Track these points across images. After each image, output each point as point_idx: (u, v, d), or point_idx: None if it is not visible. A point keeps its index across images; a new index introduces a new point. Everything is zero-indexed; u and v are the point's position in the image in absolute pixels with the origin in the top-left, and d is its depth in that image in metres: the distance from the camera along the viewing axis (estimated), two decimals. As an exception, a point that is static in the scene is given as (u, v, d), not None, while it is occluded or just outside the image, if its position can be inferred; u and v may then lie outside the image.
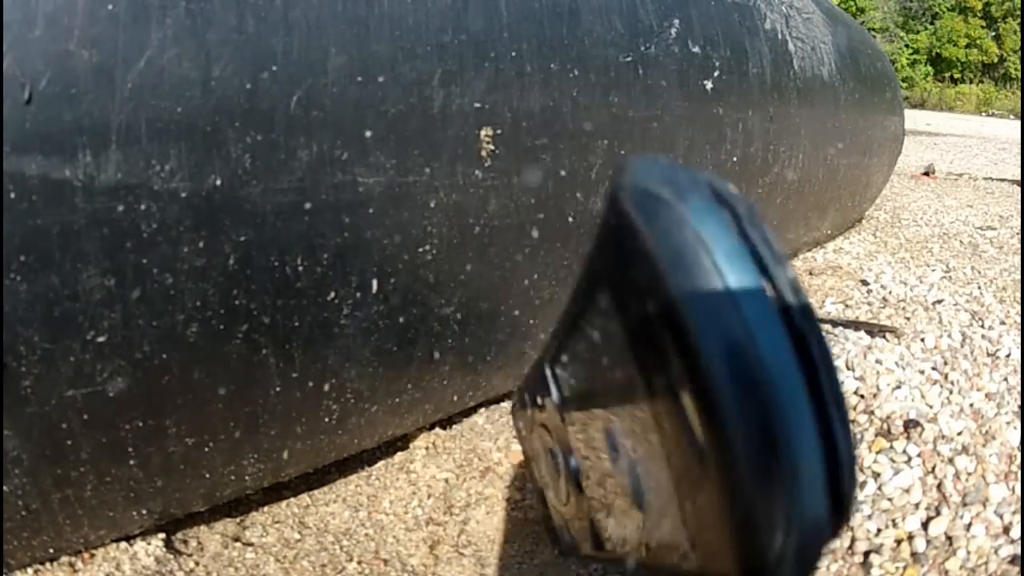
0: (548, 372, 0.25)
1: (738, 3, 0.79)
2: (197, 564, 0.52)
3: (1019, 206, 2.14)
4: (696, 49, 0.69)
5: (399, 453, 0.66)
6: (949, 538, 0.56)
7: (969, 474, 0.64)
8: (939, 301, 1.13)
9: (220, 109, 0.36)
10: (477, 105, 0.47)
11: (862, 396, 0.77)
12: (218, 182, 0.37)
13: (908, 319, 1.03)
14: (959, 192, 2.43)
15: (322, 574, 0.52)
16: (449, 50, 0.46)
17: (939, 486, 0.62)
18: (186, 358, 0.39)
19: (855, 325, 0.99)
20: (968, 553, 0.55)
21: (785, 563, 0.14)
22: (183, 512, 0.50)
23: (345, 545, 0.55)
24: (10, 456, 0.36)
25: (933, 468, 0.65)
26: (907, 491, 0.62)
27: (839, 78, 1.09)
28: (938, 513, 0.59)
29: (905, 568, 0.53)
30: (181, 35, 0.35)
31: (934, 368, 0.86)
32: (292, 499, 0.60)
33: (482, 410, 0.74)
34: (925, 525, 0.57)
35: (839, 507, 0.14)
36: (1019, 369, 0.86)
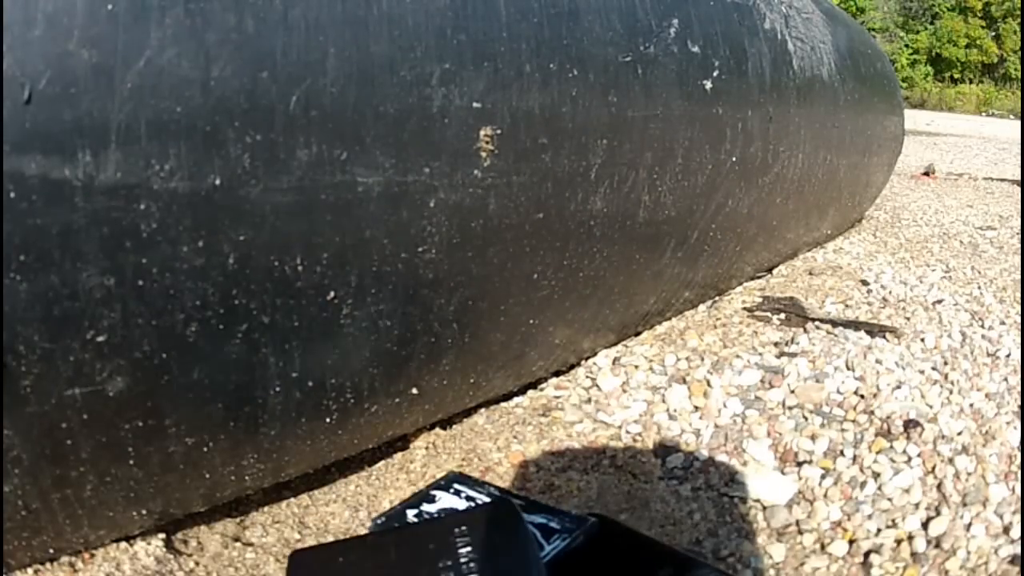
0: None
1: (737, 3, 0.79)
2: (197, 564, 0.52)
3: (1019, 206, 2.14)
4: (695, 49, 0.69)
5: (399, 453, 0.66)
6: (949, 538, 0.56)
7: (969, 474, 0.64)
8: (939, 301, 1.13)
9: (219, 109, 0.36)
10: (476, 105, 0.48)
11: (862, 396, 0.77)
12: (217, 182, 0.37)
13: (908, 319, 1.03)
14: (959, 192, 2.43)
15: (322, 574, 0.52)
16: (448, 50, 0.46)
17: (939, 486, 0.62)
18: (186, 358, 0.39)
19: (855, 325, 0.99)
20: (968, 553, 0.55)
21: None
22: (183, 512, 0.50)
23: (345, 545, 0.55)
24: (10, 456, 0.36)
25: (933, 468, 0.65)
26: (907, 491, 0.62)
27: (839, 78, 1.09)
28: (938, 513, 0.59)
29: (905, 568, 0.53)
30: (181, 35, 0.35)
31: (934, 368, 0.86)
32: (292, 499, 0.60)
33: (482, 410, 0.74)
34: (925, 525, 0.57)
35: None
36: (1019, 369, 0.86)
